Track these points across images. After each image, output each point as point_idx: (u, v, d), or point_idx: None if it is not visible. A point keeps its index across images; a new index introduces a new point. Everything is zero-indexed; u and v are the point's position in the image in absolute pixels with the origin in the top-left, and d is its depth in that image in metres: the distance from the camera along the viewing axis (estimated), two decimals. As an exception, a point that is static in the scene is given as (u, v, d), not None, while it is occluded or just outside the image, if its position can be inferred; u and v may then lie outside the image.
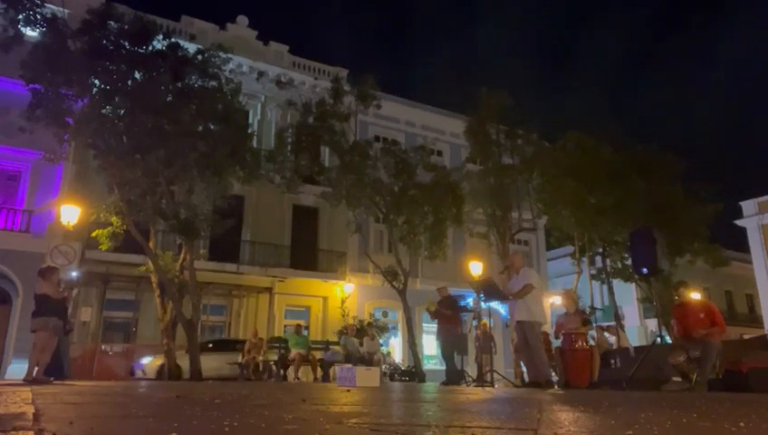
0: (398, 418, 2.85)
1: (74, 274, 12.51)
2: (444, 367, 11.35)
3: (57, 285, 8.43)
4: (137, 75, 13.45)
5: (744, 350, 8.20)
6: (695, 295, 8.84)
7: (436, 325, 11.36)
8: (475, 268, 17.83)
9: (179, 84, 13.84)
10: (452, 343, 10.83)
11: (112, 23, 13.42)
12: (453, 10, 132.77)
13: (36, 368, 7.92)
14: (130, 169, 13.09)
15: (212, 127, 14.22)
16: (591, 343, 9.25)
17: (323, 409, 3.30)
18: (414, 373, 16.66)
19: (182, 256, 14.57)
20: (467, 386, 10.31)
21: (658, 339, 9.12)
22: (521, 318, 7.48)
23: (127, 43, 13.37)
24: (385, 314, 22.73)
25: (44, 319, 8.00)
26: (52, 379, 8.13)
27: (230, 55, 15.43)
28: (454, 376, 10.60)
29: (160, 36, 14.11)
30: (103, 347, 17.41)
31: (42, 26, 12.97)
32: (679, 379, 7.27)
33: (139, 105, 12.77)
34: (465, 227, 19.56)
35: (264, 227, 20.96)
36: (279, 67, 22.02)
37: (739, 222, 30.93)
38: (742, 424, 2.35)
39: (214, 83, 14.33)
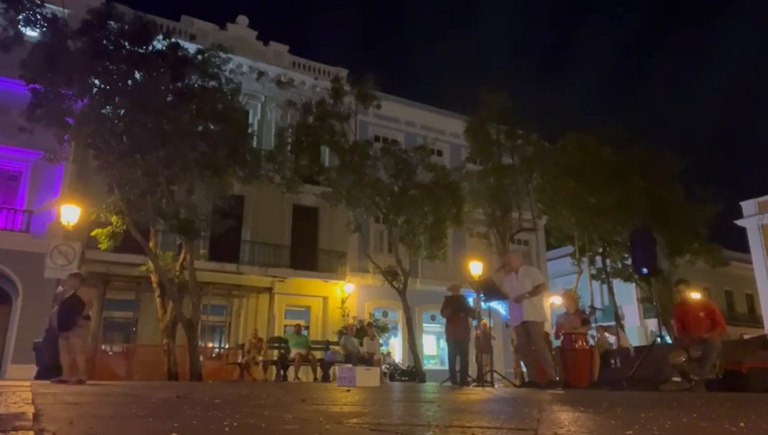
0: (398, 418, 2.85)
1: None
2: (447, 367, 11.29)
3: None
4: (137, 75, 13.45)
5: (744, 350, 8.19)
6: (695, 295, 8.83)
7: (438, 326, 11.32)
8: (475, 268, 17.83)
9: (179, 84, 13.85)
10: (455, 342, 10.75)
11: (112, 23, 13.43)
12: (453, 10, 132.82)
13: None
14: (130, 168, 13.08)
15: (212, 127, 14.23)
16: (591, 343, 9.25)
17: (323, 409, 3.30)
18: (414, 373, 16.67)
19: (182, 256, 14.57)
20: (467, 386, 10.29)
21: (658, 339, 9.13)
22: (529, 318, 7.32)
23: (127, 43, 13.38)
24: (385, 314, 22.71)
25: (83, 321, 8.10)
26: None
27: (230, 55, 15.43)
28: (453, 375, 10.51)
29: (160, 36, 14.12)
30: (103, 347, 17.39)
31: (42, 26, 12.97)
32: (679, 379, 7.27)
33: (139, 105, 12.76)
34: (465, 227, 19.55)
35: (264, 227, 20.95)
36: (279, 67, 22.01)
37: (739, 222, 30.93)
38: (742, 424, 2.35)
39: (214, 83, 14.34)
